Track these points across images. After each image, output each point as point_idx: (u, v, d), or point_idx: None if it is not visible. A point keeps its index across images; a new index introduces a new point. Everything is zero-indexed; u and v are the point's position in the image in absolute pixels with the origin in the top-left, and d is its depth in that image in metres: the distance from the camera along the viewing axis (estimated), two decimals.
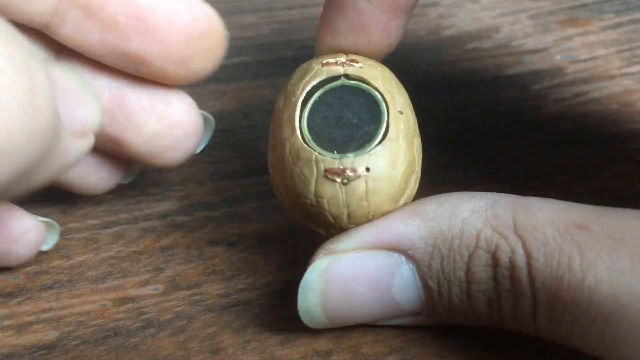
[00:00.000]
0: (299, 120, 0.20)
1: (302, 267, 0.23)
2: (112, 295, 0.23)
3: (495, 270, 0.18)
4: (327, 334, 0.21)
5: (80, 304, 0.22)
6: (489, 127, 0.29)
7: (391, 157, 0.20)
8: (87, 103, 0.19)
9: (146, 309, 0.22)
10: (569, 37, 0.34)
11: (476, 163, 0.27)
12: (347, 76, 0.20)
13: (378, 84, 0.20)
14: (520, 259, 0.18)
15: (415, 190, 0.21)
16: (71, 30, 0.21)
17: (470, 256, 0.19)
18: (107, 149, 0.23)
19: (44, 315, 0.22)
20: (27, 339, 0.21)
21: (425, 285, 0.19)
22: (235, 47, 0.34)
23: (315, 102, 0.20)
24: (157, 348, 0.21)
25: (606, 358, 0.17)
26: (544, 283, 0.18)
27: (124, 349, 0.21)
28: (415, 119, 0.21)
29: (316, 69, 0.21)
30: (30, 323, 0.22)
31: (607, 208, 0.18)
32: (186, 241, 0.24)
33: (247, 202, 0.26)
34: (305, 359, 0.21)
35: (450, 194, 0.20)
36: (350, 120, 0.20)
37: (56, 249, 0.24)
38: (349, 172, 0.19)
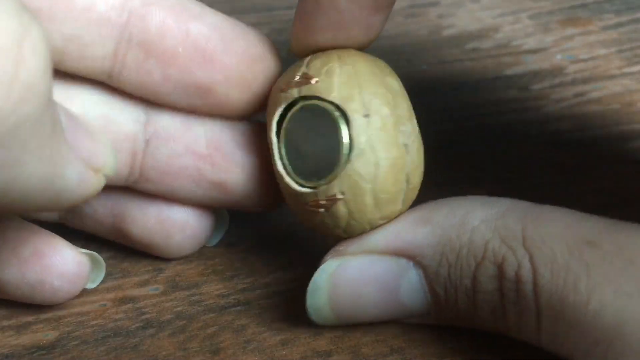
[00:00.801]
0: (279, 155, 0.20)
1: (303, 268, 0.23)
2: (111, 295, 0.23)
3: (501, 282, 0.18)
4: (327, 334, 0.21)
5: (80, 304, 0.22)
6: (489, 127, 0.29)
7: (363, 171, 0.19)
8: (100, 144, 0.18)
9: (146, 309, 0.22)
10: (570, 37, 0.34)
11: (476, 163, 0.27)
12: (304, 97, 0.20)
13: (333, 95, 0.19)
14: (527, 274, 0.18)
15: (419, 179, 0.20)
16: (133, 73, 0.21)
17: (477, 266, 0.19)
18: (208, 199, 0.22)
19: (43, 316, 0.22)
20: (26, 339, 0.21)
21: (432, 291, 0.20)
22: None
23: (286, 132, 0.20)
24: (157, 348, 0.21)
25: None
26: (549, 300, 0.17)
27: (124, 349, 0.21)
28: (406, 101, 0.20)
29: (276, 97, 0.20)
30: (30, 323, 0.22)
31: (620, 223, 0.18)
32: None
33: None
34: (305, 359, 0.20)
35: (463, 198, 0.20)
36: (318, 144, 0.19)
37: None
38: (324, 202, 0.19)
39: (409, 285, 0.20)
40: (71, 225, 0.23)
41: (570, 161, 0.27)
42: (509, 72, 0.32)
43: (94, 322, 0.22)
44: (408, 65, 0.32)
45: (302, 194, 0.20)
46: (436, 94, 0.31)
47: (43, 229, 0.21)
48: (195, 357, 0.21)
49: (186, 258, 0.24)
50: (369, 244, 0.20)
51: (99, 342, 0.21)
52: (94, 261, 0.22)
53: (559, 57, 0.33)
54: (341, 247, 0.20)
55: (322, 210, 0.19)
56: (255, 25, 0.36)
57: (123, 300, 0.22)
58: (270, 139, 0.20)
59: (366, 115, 0.19)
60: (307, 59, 0.20)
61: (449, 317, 0.20)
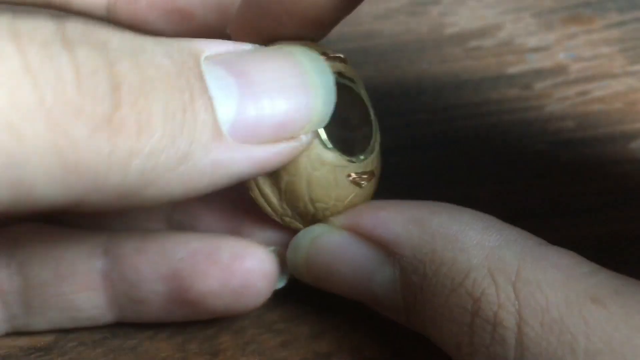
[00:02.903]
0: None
1: None
2: None
3: (473, 319, 0.16)
4: (327, 336, 0.21)
5: None
6: (491, 126, 0.29)
7: (379, 153, 0.20)
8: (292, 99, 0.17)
9: None
10: (572, 35, 0.34)
11: (478, 162, 0.27)
12: (340, 74, 0.19)
13: (360, 83, 0.20)
14: (509, 318, 0.16)
15: None
16: (124, 3, 0.21)
17: (451, 291, 0.17)
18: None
19: None
20: (24, 340, 0.21)
21: (404, 294, 0.18)
22: None
23: None
24: (156, 350, 0.21)
25: None
26: (538, 357, 0.15)
27: (122, 350, 0.21)
28: None
29: None
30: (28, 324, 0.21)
31: (632, 283, 0.16)
32: None
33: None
34: None
35: (469, 212, 0.18)
36: (351, 121, 0.20)
37: None
38: (364, 176, 0.20)
39: (382, 279, 0.19)
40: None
41: (573, 160, 0.27)
42: (512, 70, 0.32)
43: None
44: (410, 64, 0.32)
45: (346, 165, 0.19)
46: (438, 92, 0.31)
47: (222, 234, 0.20)
48: (195, 358, 0.20)
49: None
50: (358, 221, 0.19)
51: (97, 343, 0.21)
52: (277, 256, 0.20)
53: (561, 55, 0.33)
54: (332, 217, 0.20)
55: (363, 183, 0.20)
56: None
57: None
58: None
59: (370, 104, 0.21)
60: (307, 41, 0.20)
61: (419, 328, 0.19)
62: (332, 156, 0.19)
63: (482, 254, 0.17)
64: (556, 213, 0.25)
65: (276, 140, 0.17)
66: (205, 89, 0.16)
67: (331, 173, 0.19)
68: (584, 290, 0.15)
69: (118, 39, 0.15)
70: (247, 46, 0.18)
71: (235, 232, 0.21)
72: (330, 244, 0.19)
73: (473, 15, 0.35)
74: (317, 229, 0.20)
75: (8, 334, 0.21)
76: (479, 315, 0.16)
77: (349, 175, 0.19)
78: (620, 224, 0.25)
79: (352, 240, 0.19)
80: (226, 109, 0.16)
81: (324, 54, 0.19)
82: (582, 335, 0.15)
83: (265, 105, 0.16)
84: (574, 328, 0.15)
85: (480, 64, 0.32)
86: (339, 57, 0.20)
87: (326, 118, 0.17)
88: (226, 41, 0.17)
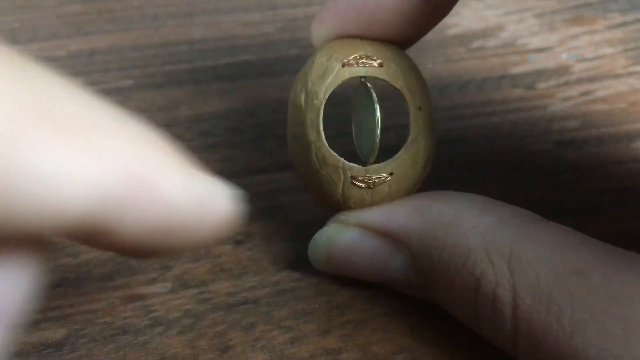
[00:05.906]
0: (324, 125, 0.20)
1: (311, 265, 0.23)
2: (119, 293, 0.22)
3: (476, 296, 0.18)
4: (336, 332, 0.21)
5: (88, 302, 0.22)
6: (494, 126, 0.29)
7: (412, 158, 0.20)
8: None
9: (154, 307, 0.22)
10: (575, 36, 0.34)
11: (482, 162, 0.27)
12: (368, 77, 0.21)
13: (400, 84, 0.20)
14: (506, 294, 0.17)
15: (430, 165, 0.21)
16: None
17: (456, 272, 0.18)
18: None
19: (51, 314, 0.22)
20: (35, 336, 0.21)
21: (417, 276, 0.20)
22: (239, 45, 0.34)
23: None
24: (166, 346, 0.21)
25: None
26: (530, 326, 0.17)
27: (132, 347, 0.21)
28: (430, 100, 0.21)
29: (337, 69, 0.20)
30: (39, 321, 0.22)
31: (616, 253, 0.17)
32: None
33: (254, 201, 0.26)
34: (314, 357, 0.20)
35: (464, 196, 0.20)
36: (373, 124, 0.20)
37: (63, 247, 0.24)
38: (374, 179, 0.20)
39: (397, 265, 0.20)
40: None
41: (576, 160, 0.27)
42: (515, 71, 0.32)
43: (103, 320, 0.22)
44: None
45: (350, 167, 0.20)
46: (442, 92, 0.31)
47: None
48: (204, 355, 0.21)
49: (194, 256, 0.24)
50: (366, 218, 0.21)
51: (108, 339, 0.21)
52: None
53: (564, 56, 0.33)
54: (342, 216, 0.21)
55: (367, 185, 0.20)
56: (259, 23, 0.36)
57: (131, 298, 0.22)
58: (318, 107, 0.20)
59: (419, 108, 0.21)
60: (359, 41, 0.21)
61: (435, 301, 0.20)
62: (333, 157, 0.20)
63: (478, 236, 0.18)
64: (560, 212, 0.25)
65: None
66: None
67: (334, 173, 0.20)
68: (569, 263, 0.17)
69: None
70: None
71: None
72: (345, 241, 0.21)
73: (476, 16, 0.35)
74: (331, 229, 0.21)
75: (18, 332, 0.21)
76: (480, 292, 0.18)
77: (353, 177, 0.20)
78: (624, 223, 0.25)
79: (363, 236, 0.21)
80: None
81: (355, 58, 0.20)
82: (568, 307, 0.16)
83: None
84: (561, 300, 0.16)
85: (484, 64, 0.32)
86: (368, 58, 0.20)
87: None
88: None
